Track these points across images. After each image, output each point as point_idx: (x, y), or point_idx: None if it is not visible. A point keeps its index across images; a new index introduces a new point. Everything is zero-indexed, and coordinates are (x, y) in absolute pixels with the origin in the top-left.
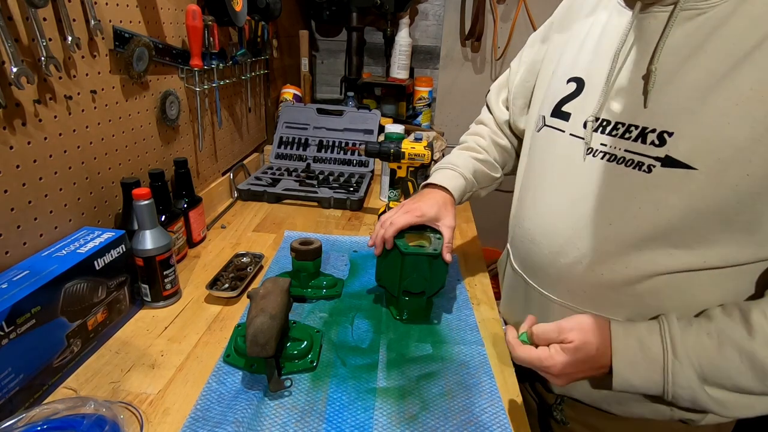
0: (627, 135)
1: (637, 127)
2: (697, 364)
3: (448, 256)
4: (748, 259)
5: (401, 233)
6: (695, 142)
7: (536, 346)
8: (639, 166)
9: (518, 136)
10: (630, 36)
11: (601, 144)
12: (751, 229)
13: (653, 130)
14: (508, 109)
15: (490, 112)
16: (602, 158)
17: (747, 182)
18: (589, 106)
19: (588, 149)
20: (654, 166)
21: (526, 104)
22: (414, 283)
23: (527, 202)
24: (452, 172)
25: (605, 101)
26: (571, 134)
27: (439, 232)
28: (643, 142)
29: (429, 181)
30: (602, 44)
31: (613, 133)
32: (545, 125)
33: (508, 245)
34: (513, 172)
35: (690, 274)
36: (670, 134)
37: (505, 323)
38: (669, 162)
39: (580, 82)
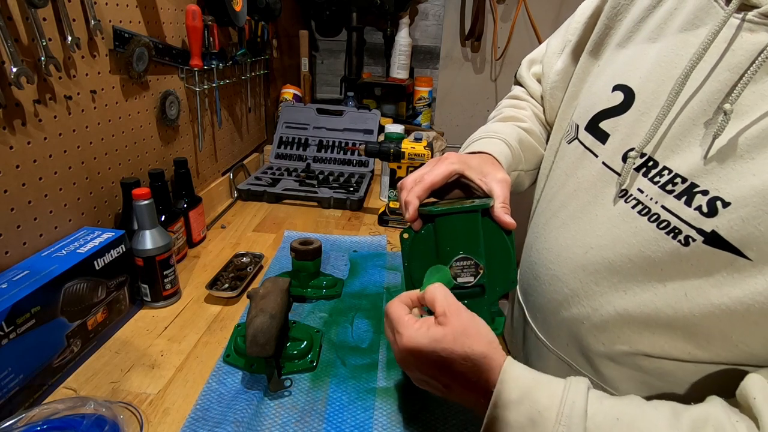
0: (670, 187)
1: (685, 180)
2: None
3: (506, 216)
4: None
5: (429, 205)
6: (758, 224)
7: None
8: (675, 233)
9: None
10: (713, 51)
11: (638, 190)
12: None
13: (704, 192)
14: (540, 83)
15: (522, 86)
16: (633, 207)
17: None
18: (634, 132)
19: (621, 191)
20: (693, 240)
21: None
22: (462, 268)
23: (539, 228)
24: (491, 138)
25: (659, 134)
26: (604, 163)
27: (487, 196)
28: (688, 203)
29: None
30: (671, 53)
31: (656, 179)
32: (577, 138)
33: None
34: None
35: (711, 365)
36: (726, 204)
37: (506, 345)
38: (714, 240)
39: (628, 95)
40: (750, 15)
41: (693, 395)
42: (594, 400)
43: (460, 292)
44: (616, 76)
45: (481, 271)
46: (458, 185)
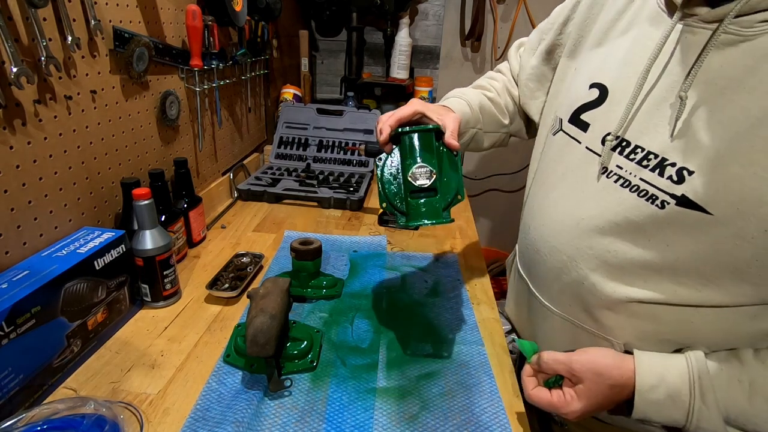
0: (645, 163)
1: (656, 156)
2: (725, 412)
3: (453, 141)
4: (752, 302)
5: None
6: (715, 186)
7: (539, 372)
8: (653, 199)
9: (528, 117)
10: (665, 51)
11: (617, 166)
12: (761, 282)
13: (673, 164)
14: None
15: (509, 64)
16: (615, 182)
17: (765, 238)
18: (609, 120)
19: (603, 169)
20: (668, 203)
21: (538, 89)
22: (420, 173)
23: (534, 209)
24: (457, 99)
25: (628, 120)
26: (587, 147)
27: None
28: (661, 174)
29: None
30: (633, 53)
31: (631, 157)
32: (561, 130)
33: (517, 246)
34: (519, 133)
35: (691, 308)
36: (691, 173)
37: (511, 324)
38: (684, 202)
39: (603, 90)
40: (690, 21)
41: (677, 331)
42: (714, 369)
43: (420, 194)
44: (591, 76)
45: (434, 176)
46: (421, 123)
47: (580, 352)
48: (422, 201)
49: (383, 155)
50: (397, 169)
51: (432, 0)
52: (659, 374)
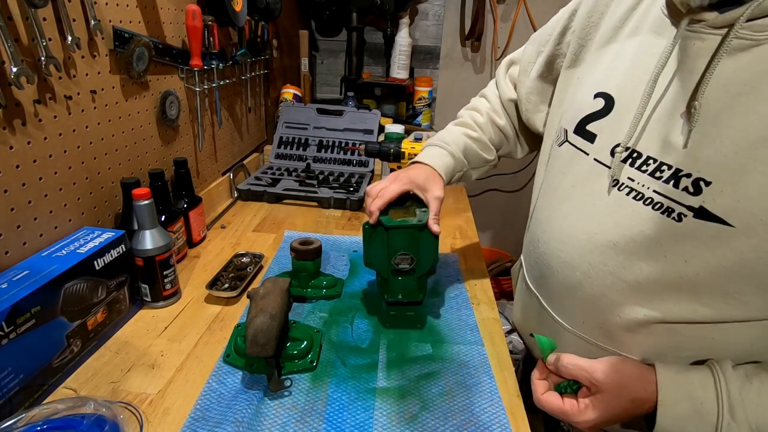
0: (658, 174)
1: (670, 167)
2: (755, 427)
3: (435, 227)
4: None
5: (385, 209)
6: (736, 198)
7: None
8: (668, 212)
9: (533, 131)
10: (672, 59)
11: (629, 178)
12: None
13: (688, 175)
14: (515, 87)
15: (497, 87)
16: (628, 194)
17: None
18: (617, 131)
19: (614, 181)
20: (685, 216)
21: (541, 102)
22: (402, 259)
23: (543, 222)
24: (441, 150)
25: (638, 130)
26: (595, 159)
27: (426, 206)
28: (676, 186)
29: (417, 159)
30: (639, 62)
31: (643, 168)
32: (567, 141)
33: (522, 258)
34: (510, 155)
35: (712, 325)
36: (708, 183)
37: (510, 323)
38: (703, 214)
39: (609, 100)
40: (697, 27)
41: (697, 348)
42: (743, 383)
43: (400, 275)
44: (595, 85)
45: (414, 261)
46: (408, 194)
47: (603, 360)
48: (401, 279)
49: (370, 222)
50: (383, 244)
51: (432, 0)
52: (683, 387)
